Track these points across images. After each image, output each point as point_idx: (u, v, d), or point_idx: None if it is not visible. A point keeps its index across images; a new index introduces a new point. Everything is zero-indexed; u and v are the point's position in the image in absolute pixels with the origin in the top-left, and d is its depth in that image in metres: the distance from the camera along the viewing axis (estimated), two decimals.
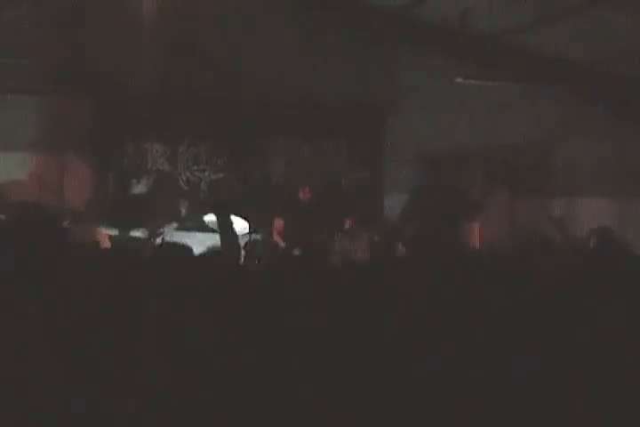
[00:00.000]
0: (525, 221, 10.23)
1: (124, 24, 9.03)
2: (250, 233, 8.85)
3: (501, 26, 9.17)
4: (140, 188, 8.99)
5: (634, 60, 9.16)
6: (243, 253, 7.68)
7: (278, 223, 9.09)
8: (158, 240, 8.49)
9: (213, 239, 7.19)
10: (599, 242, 5.26)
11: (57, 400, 3.10)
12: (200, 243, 6.96)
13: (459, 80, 9.28)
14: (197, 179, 9.94)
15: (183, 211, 9.20)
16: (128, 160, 9.63)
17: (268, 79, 9.59)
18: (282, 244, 8.91)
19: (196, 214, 9.21)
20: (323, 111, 9.93)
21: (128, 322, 3.29)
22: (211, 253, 3.93)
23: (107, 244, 8.39)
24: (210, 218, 8.92)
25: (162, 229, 8.64)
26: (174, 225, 8.85)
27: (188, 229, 8.88)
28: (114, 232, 8.60)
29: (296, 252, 7.91)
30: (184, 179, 9.91)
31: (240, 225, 8.94)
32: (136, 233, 8.58)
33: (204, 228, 8.74)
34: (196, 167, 9.93)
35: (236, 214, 8.92)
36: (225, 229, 4.42)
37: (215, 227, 8.72)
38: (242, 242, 8.72)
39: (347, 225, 9.07)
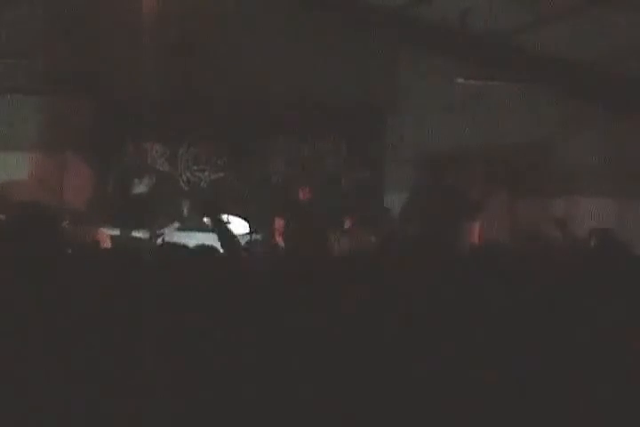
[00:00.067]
0: (525, 221, 10.23)
1: (124, 24, 9.03)
2: (250, 233, 8.85)
3: (501, 26, 9.16)
4: (141, 187, 8.99)
5: (634, 60, 9.16)
6: (242, 253, 7.67)
7: (278, 223, 9.09)
8: (159, 240, 8.48)
9: (213, 239, 7.19)
10: (599, 242, 5.25)
11: (57, 400, 3.10)
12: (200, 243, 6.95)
13: (459, 80, 9.27)
14: (197, 179, 9.94)
15: (184, 211, 9.20)
16: (128, 160, 9.63)
17: (268, 79, 9.59)
18: (282, 244, 8.91)
19: (196, 214, 9.21)
20: (323, 111, 9.93)
21: (128, 322, 3.29)
22: (211, 253, 3.92)
23: (108, 244, 8.39)
24: (222, 219, 8.91)
25: (163, 230, 8.63)
26: (176, 225, 8.85)
27: (189, 230, 8.88)
28: (115, 232, 8.59)
29: (296, 252, 7.90)
30: (184, 179, 9.91)
31: (240, 225, 8.96)
32: (137, 233, 8.57)
33: (205, 228, 8.73)
34: (196, 167, 9.93)
35: (236, 214, 8.94)
36: (220, 229, 4.41)
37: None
38: (242, 242, 8.74)
39: (347, 225, 9.07)
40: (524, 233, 9.91)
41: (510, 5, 8.91)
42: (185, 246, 3.96)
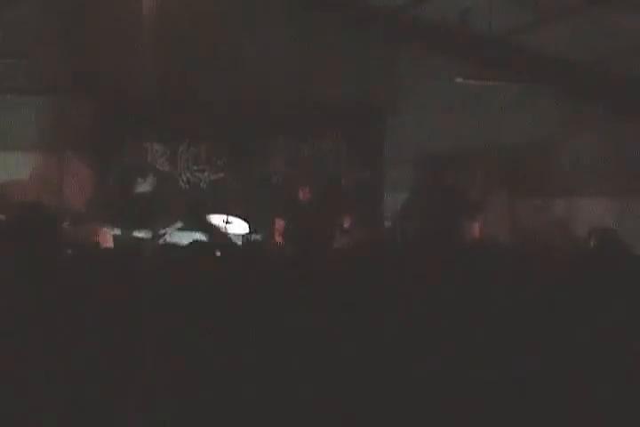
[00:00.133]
0: (525, 221, 10.24)
1: (124, 24, 9.03)
2: (250, 233, 8.86)
3: (501, 26, 9.16)
4: (145, 186, 8.99)
5: (634, 60, 9.16)
6: (242, 253, 7.67)
7: (278, 223, 9.08)
8: (161, 240, 8.48)
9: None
10: (599, 242, 5.25)
11: (57, 400, 3.10)
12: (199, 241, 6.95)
13: (459, 80, 9.27)
14: (197, 179, 9.94)
15: (184, 211, 9.19)
16: (130, 160, 9.63)
17: (267, 79, 9.59)
18: (282, 244, 8.91)
19: (196, 214, 9.21)
20: (323, 111, 9.93)
21: (128, 322, 3.29)
22: (210, 253, 3.92)
23: (110, 243, 8.40)
24: (210, 218, 8.92)
25: (164, 230, 8.63)
26: (177, 225, 8.84)
27: (189, 230, 8.87)
28: (117, 232, 8.59)
29: (296, 252, 7.90)
30: (184, 179, 9.91)
31: (240, 225, 8.96)
32: (140, 233, 8.57)
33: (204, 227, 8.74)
34: (196, 167, 9.93)
35: (236, 215, 8.94)
36: (205, 228, 4.40)
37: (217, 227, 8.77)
38: (242, 242, 8.75)
39: (347, 225, 9.07)
40: (524, 233, 9.93)
41: (510, 5, 8.91)
42: (185, 246, 3.96)
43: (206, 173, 9.94)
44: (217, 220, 8.81)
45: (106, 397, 3.11)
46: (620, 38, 8.86)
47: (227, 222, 8.77)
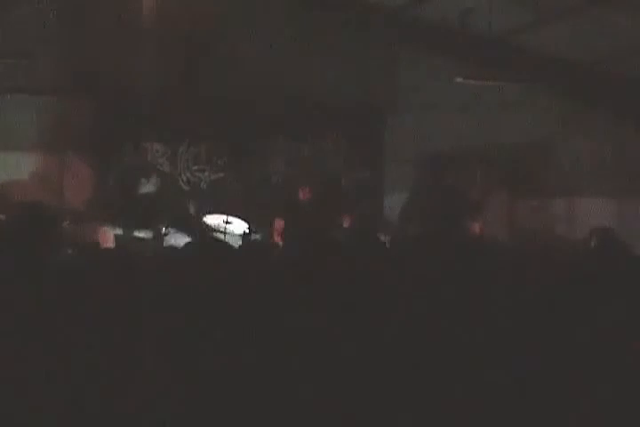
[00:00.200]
0: (525, 221, 10.24)
1: (124, 24, 9.03)
2: (250, 233, 8.86)
3: (501, 26, 9.17)
4: (149, 187, 8.99)
5: (634, 60, 9.16)
6: (242, 253, 7.68)
7: (278, 223, 9.08)
8: (162, 240, 8.48)
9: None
10: (600, 242, 5.26)
11: (57, 400, 3.10)
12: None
13: (459, 80, 9.27)
14: (197, 179, 9.94)
15: (184, 211, 9.20)
16: (132, 160, 9.63)
17: (267, 79, 9.59)
18: (282, 244, 8.90)
19: (196, 215, 9.22)
20: (323, 111, 9.93)
21: (128, 323, 3.29)
22: (210, 253, 3.92)
23: (109, 243, 8.40)
24: (210, 218, 8.93)
25: (166, 230, 8.63)
26: (179, 226, 8.84)
27: (190, 230, 8.87)
28: (118, 232, 8.60)
29: (296, 252, 7.90)
30: (184, 179, 9.91)
31: (240, 225, 8.96)
32: (142, 233, 8.57)
33: (205, 228, 8.75)
34: (196, 167, 9.93)
35: (236, 215, 8.94)
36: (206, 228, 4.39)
37: (218, 228, 8.77)
38: (242, 242, 8.75)
39: (346, 225, 9.07)
40: (524, 233, 9.93)
41: (510, 5, 8.91)
42: (186, 246, 3.96)
43: (206, 173, 9.95)
44: (217, 220, 8.82)
45: (106, 397, 3.11)
46: (620, 38, 8.87)
47: (227, 222, 8.77)
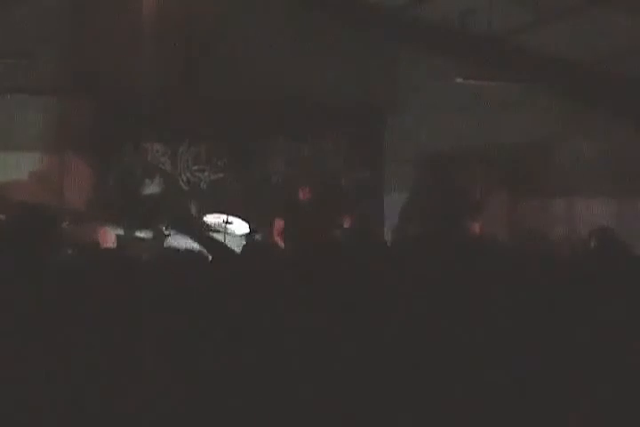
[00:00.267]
0: (525, 221, 10.24)
1: (124, 24, 9.03)
2: (250, 233, 8.86)
3: (501, 26, 9.17)
4: (153, 188, 9.00)
5: (634, 60, 9.16)
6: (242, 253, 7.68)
7: (278, 224, 9.08)
8: (162, 241, 8.49)
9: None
10: (599, 242, 5.26)
11: (57, 400, 3.10)
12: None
13: (459, 80, 9.28)
14: (197, 179, 9.94)
15: (184, 211, 9.20)
16: (134, 160, 9.62)
17: (268, 79, 9.59)
18: (282, 244, 8.91)
19: (196, 215, 9.22)
20: (323, 111, 9.93)
21: (128, 323, 3.29)
22: (211, 254, 3.92)
23: (109, 243, 8.40)
24: (211, 218, 8.93)
25: (168, 231, 8.64)
26: (179, 226, 8.84)
27: (190, 230, 8.87)
28: (119, 232, 8.60)
29: (296, 252, 7.90)
30: (184, 179, 9.91)
31: (240, 225, 8.96)
32: (141, 233, 8.58)
33: (205, 228, 8.75)
34: (196, 167, 9.93)
35: (236, 215, 8.94)
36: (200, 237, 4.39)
37: (218, 228, 8.77)
38: (242, 242, 8.75)
39: (346, 225, 9.07)
40: (524, 233, 9.93)
41: (510, 5, 8.91)
42: (186, 247, 3.96)
43: (206, 173, 9.94)
44: (217, 220, 8.82)
45: (106, 397, 3.11)
46: (620, 38, 8.87)
47: (227, 222, 8.77)
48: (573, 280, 4.00)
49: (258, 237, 8.91)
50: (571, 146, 10.26)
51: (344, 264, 3.95)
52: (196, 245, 4.04)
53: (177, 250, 3.96)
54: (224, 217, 8.80)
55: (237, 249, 4.17)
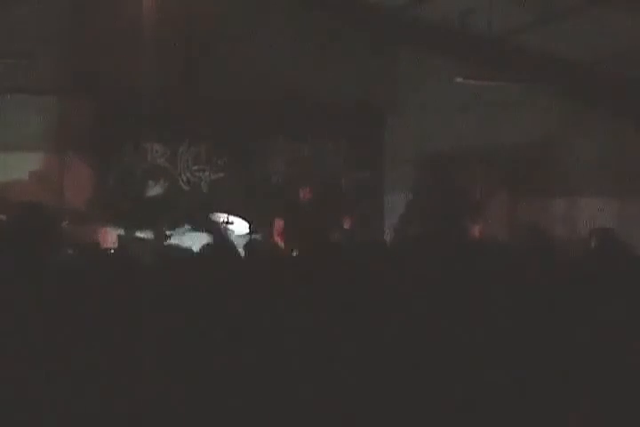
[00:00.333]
0: (525, 221, 10.23)
1: (124, 24, 9.03)
2: (250, 233, 8.85)
3: (501, 26, 9.17)
4: (157, 189, 9.01)
5: (634, 60, 9.16)
6: (242, 253, 7.69)
7: (278, 223, 9.08)
8: (165, 241, 8.48)
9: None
10: (600, 242, 5.26)
11: (57, 400, 3.10)
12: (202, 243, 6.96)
13: (459, 80, 9.27)
14: (197, 179, 9.93)
15: (184, 211, 9.19)
16: (128, 160, 9.62)
17: (268, 79, 9.59)
18: (282, 244, 8.91)
19: (197, 215, 9.21)
20: (323, 111, 9.93)
21: (128, 323, 3.29)
22: (211, 254, 3.92)
23: (110, 244, 8.40)
24: (211, 218, 8.93)
25: (169, 231, 8.64)
26: (185, 227, 8.83)
27: (193, 231, 8.87)
28: (121, 232, 8.60)
29: (296, 252, 7.91)
30: (184, 179, 9.90)
31: (240, 225, 8.96)
32: (141, 234, 8.57)
33: (207, 228, 8.74)
34: (196, 167, 9.93)
35: (236, 214, 8.94)
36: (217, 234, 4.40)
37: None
38: (242, 242, 8.75)
39: (346, 225, 9.07)
40: (525, 233, 9.92)
41: (510, 5, 8.91)
42: (186, 247, 3.96)
43: (206, 173, 9.94)
44: (217, 220, 8.82)
45: (107, 397, 3.11)
46: (620, 38, 8.87)
47: (227, 222, 8.77)
48: (574, 280, 4.00)
49: (258, 237, 8.90)
50: (571, 146, 10.25)
51: (344, 264, 3.96)
52: (196, 246, 4.04)
53: (177, 250, 3.96)
54: (224, 217, 8.79)
55: (238, 249, 4.17)
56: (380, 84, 10.23)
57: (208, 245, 4.03)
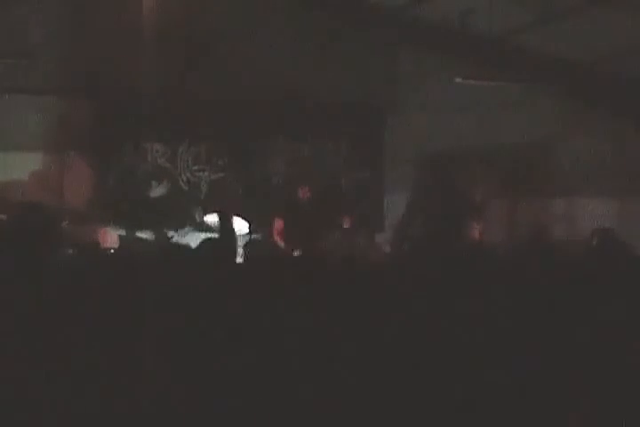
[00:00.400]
0: (525, 221, 10.23)
1: (124, 24, 9.03)
2: (250, 233, 8.85)
3: (501, 26, 9.17)
4: (160, 190, 9.01)
5: (634, 60, 9.16)
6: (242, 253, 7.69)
7: (278, 223, 9.08)
8: (166, 242, 8.48)
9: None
10: (600, 242, 5.25)
11: (57, 400, 3.10)
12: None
13: (459, 80, 9.27)
14: (197, 179, 9.94)
15: (184, 211, 9.19)
16: (128, 160, 9.62)
17: (268, 79, 9.59)
18: (282, 244, 8.91)
19: (197, 215, 9.21)
20: (323, 111, 9.93)
21: (129, 323, 3.29)
22: (211, 254, 3.92)
23: (110, 244, 8.40)
24: (211, 218, 8.92)
25: (171, 231, 8.64)
26: (188, 228, 8.83)
27: (190, 230, 8.88)
28: (119, 232, 8.60)
29: (296, 252, 7.91)
30: (184, 179, 9.90)
31: (240, 225, 8.96)
32: (141, 234, 8.57)
33: (207, 228, 8.74)
34: (196, 167, 9.93)
35: (236, 214, 8.93)
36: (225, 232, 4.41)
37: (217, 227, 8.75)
38: (242, 242, 8.75)
39: (346, 225, 9.07)
40: (524, 233, 9.92)
41: (510, 5, 8.91)
42: (186, 247, 3.96)
43: (206, 173, 9.94)
44: (217, 220, 8.81)
45: (107, 397, 3.11)
46: (620, 38, 8.87)
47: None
48: (574, 280, 4.00)
49: (258, 236, 8.90)
50: (571, 146, 10.25)
51: (344, 264, 3.96)
52: (196, 246, 4.04)
53: (177, 250, 3.96)
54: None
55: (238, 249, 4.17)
56: (380, 84, 10.23)
57: (208, 241, 4.02)
